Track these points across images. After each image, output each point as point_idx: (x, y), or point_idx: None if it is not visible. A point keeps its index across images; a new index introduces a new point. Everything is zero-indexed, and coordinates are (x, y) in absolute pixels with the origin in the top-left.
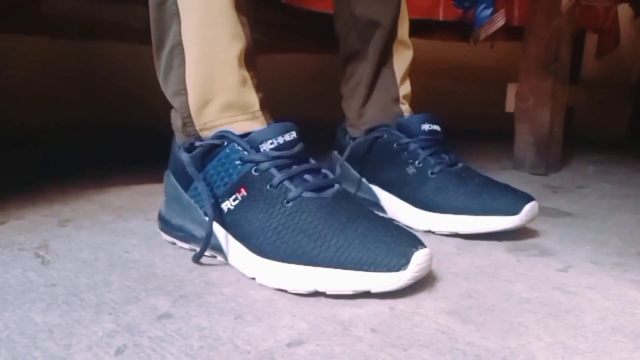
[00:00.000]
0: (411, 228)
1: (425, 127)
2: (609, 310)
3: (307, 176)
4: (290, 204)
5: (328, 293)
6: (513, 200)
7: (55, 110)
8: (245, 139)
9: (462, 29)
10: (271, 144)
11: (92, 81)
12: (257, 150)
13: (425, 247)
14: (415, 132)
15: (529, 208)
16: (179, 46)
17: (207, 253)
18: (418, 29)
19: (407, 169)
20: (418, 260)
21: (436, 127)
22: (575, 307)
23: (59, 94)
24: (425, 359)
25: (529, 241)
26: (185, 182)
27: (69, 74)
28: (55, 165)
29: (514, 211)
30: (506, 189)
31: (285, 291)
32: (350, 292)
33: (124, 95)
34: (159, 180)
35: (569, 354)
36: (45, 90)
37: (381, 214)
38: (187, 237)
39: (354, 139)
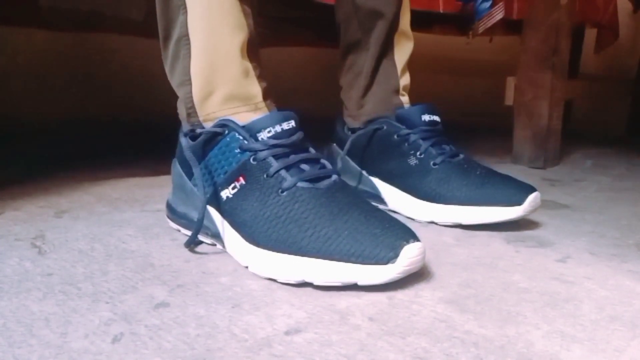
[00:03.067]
0: (413, 220)
1: (426, 117)
2: (606, 300)
3: (304, 166)
4: (284, 193)
5: (316, 284)
6: (516, 191)
7: (51, 103)
8: (243, 127)
9: (461, 23)
10: (269, 132)
11: (89, 73)
12: (256, 138)
13: (418, 240)
14: (415, 123)
15: (531, 199)
16: (185, 37)
17: (207, 241)
18: (417, 22)
19: (408, 160)
20: (408, 254)
21: (436, 118)
22: (573, 296)
23: (56, 86)
24: (423, 347)
25: (527, 232)
26: (190, 170)
27: (66, 67)
28: (51, 157)
29: (517, 202)
30: (509, 180)
31: (276, 281)
32: (338, 284)
33: (122, 88)
34: (156, 172)
35: (567, 342)
36: (42, 82)
37: (382, 206)
38: (190, 224)
39: (352, 130)
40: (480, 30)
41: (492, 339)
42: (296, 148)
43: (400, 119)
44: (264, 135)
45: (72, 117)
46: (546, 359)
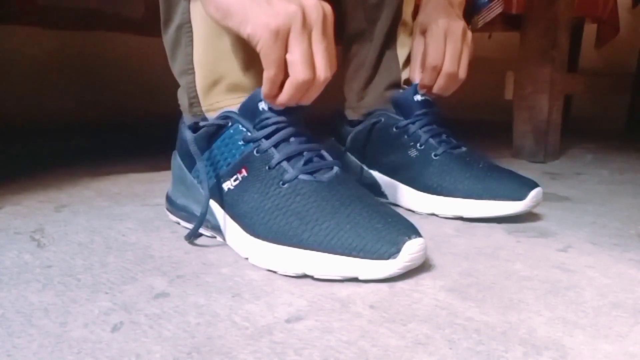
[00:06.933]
0: (414, 212)
1: (418, 97)
2: (608, 288)
3: (305, 157)
4: (285, 185)
5: (316, 277)
6: (518, 186)
7: (51, 101)
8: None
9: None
10: None
11: (88, 71)
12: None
13: (420, 236)
14: (409, 105)
15: (534, 194)
16: (187, 24)
17: (207, 233)
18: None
19: (408, 152)
20: (410, 249)
21: (428, 97)
22: (575, 284)
23: (55, 84)
24: (424, 333)
25: (528, 224)
26: (190, 162)
27: (64, 65)
28: (51, 154)
29: (519, 197)
30: (511, 174)
31: (276, 272)
32: (339, 278)
33: (122, 86)
34: (156, 168)
35: (569, 328)
36: (41, 80)
37: (382, 200)
38: (190, 217)
39: (351, 122)
40: (480, 24)
41: (494, 326)
42: (296, 128)
43: (395, 104)
44: None
45: (72, 115)
46: (549, 344)
